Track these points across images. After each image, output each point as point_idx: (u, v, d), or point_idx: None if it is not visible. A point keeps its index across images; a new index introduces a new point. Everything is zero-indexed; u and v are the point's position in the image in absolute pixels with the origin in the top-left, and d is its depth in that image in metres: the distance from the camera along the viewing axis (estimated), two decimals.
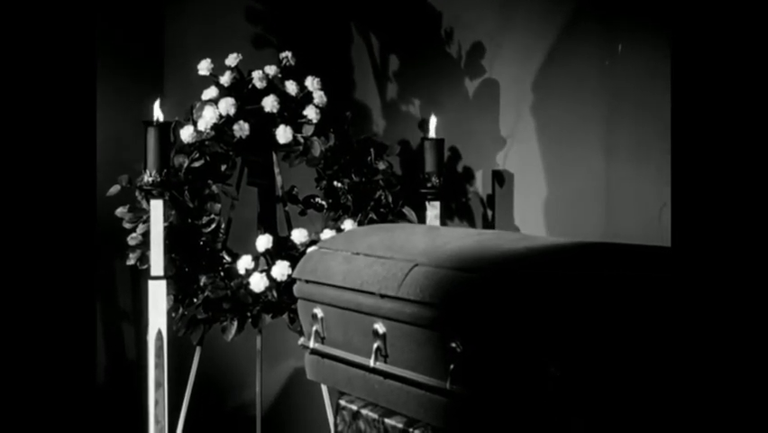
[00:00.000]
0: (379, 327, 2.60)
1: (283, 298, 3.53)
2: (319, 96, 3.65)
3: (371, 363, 2.62)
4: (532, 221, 3.87)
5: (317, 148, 3.62)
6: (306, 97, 3.66)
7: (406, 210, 3.71)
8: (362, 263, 2.73)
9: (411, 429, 2.53)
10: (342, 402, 2.84)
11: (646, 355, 2.01)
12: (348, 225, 3.61)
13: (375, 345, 2.61)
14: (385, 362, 2.60)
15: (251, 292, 3.53)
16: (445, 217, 3.88)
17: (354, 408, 2.77)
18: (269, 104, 3.59)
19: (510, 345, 2.16)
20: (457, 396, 2.32)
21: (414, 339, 2.47)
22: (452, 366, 2.32)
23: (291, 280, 3.16)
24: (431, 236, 2.75)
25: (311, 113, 3.63)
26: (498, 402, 2.19)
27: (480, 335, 2.25)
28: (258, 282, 3.52)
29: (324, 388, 3.61)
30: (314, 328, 2.91)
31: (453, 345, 2.31)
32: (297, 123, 3.64)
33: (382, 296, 2.57)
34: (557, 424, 2.03)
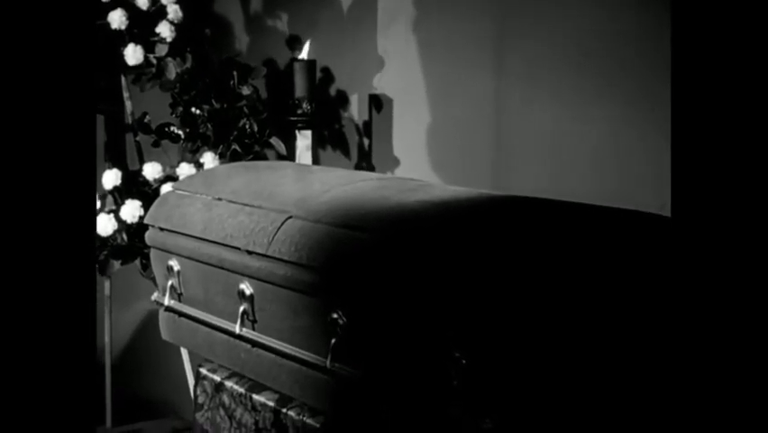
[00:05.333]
0: (246, 288, 2.22)
1: (134, 241, 3.12)
2: (174, 11, 3.28)
3: (237, 328, 2.24)
4: (413, 151, 3.51)
5: (172, 70, 3.26)
6: (158, 12, 3.27)
7: (274, 141, 3.36)
8: (225, 212, 2.34)
9: (284, 409, 2.17)
10: (203, 371, 2.45)
11: (578, 342, 1.66)
12: (208, 157, 3.23)
13: (241, 309, 2.24)
14: (253, 328, 2.23)
15: (97, 235, 3.11)
16: (318, 147, 3.50)
17: (217, 378, 2.40)
18: (117, 19, 3.21)
19: (404, 321, 1.80)
20: (339, 376, 1.96)
21: (288, 305, 2.11)
22: (333, 341, 1.96)
23: (143, 222, 2.74)
24: (306, 181, 2.37)
25: (165, 30, 3.25)
26: (389, 388, 1.85)
27: (368, 306, 1.89)
28: (105, 225, 3.11)
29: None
30: (169, 283, 2.51)
31: (335, 315, 1.95)
32: (148, 41, 3.25)
33: (249, 252, 2.19)
34: (460, 422, 1.69)
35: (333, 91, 3.66)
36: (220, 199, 2.41)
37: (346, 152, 3.65)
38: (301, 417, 2.13)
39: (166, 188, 3.11)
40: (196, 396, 2.48)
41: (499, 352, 1.65)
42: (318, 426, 2.09)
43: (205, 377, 2.45)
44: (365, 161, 3.63)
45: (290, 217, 2.15)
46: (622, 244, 1.81)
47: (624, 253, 1.79)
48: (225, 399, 2.36)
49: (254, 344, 2.23)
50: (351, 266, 1.93)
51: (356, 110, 3.64)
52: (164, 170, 3.24)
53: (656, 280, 1.73)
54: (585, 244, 1.77)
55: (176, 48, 3.27)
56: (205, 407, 2.44)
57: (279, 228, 2.15)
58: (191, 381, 3.16)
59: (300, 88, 3.35)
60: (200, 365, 2.49)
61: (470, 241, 1.79)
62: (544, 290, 1.67)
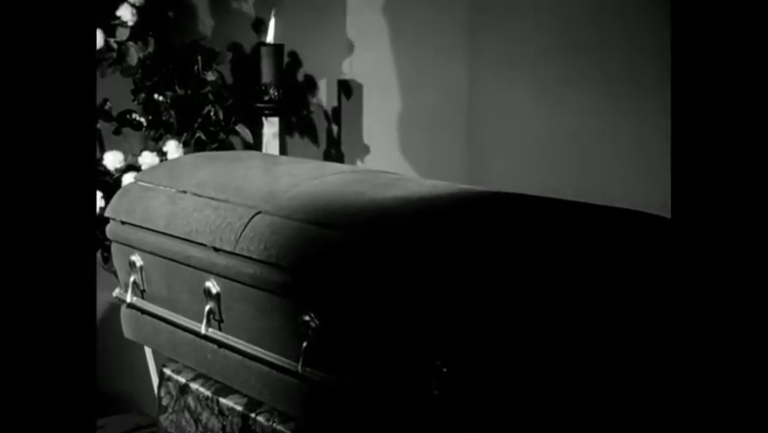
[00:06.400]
0: (212, 286, 2.11)
1: (95, 233, 2.99)
2: None
3: (202, 328, 2.14)
4: (384, 139, 3.42)
5: (134, 55, 3.13)
6: None
7: (240, 128, 3.25)
8: (190, 205, 2.23)
9: (253, 414, 2.07)
10: (168, 371, 2.35)
11: (567, 351, 1.57)
12: (171, 146, 3.11)
13: (207, 308, 2.13)
14: (219, 328, 2.12)
15: None
16: (285, 134, 3.39)
17: (182, 380, 2.29)
18: None
19: (381, 326, 1.70)
20: (311, 381, 1.86)
21: (256, 305, 2.00)
22: (305, 344, 1.86)
23: (103, 214, 2.62)
24: (274, 173, 2.26)
25: (126, 13, 3.13)
26: (364, 397, 1.75)
27: (342, 309, 1.79)
28: None
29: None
30: (131, 279, 2.40)
31: (307, 318, 1.85)
32: (109, 25, 3.12)
33: (216, 249, 2.08)
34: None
35: (300, 76, 3.56)
36: (185, 192, 2.30)
37: (314, 140, 3.55)
38: (271, 423, 2.04)
39: (127, 177, 3.00)
40: (159, 397, 2.37)
41: (484, 360, 1.56)
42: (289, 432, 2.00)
43: (169, 378, 2.34)
44: (334, 149, 3.53)
45: (259, 213, 2.05)
46: (611, 241, 1.72)
47: (614, 251, 1.70)
48: (191, 402, 2.26)
49: (221, 344, 2.12)
50: (324, 266, 1.82)
51: (325, 96, 3.55)
52: (126, 159, 3.13)
53: (649, 282, 1.65)
54: (573, 245, 1.67)
55: (137, 32, 3.14)
56: (170, 409, 2.33)
57: (247, 224, 2.04)
58: (155, 379, 3.05)
59: (267, 74, 3.27)
60: (164, 365, 2.39)
61: (451, 241, 1.70)
62: (532, 296, 1.58)
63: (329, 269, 1.81)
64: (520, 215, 1.81)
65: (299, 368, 1.88)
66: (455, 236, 1.71)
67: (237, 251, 2.03)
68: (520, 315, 1.57)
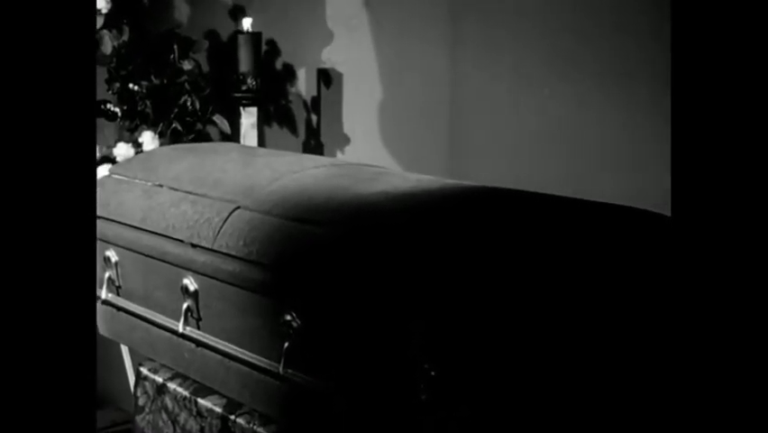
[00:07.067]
0: (190, 284, 2.05)
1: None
2: None
3: (180, 326, 2.08)
4: (364, 129, 3.36)
5: (108, 44, 3.08)
6: None
7: (217, 118, 3.20)
8: (167, 200, 2.16)
9: (232, 416, 2.01)
10: (144, 370, 2.28)
11: (558, 353, 1.51)
12: (147, 137, 3.05)
13: (185, 305, 2.07)
14: (198, 327, 2.06)
15: None
16: (263, 124, 3.33)
17: (159, 379, 2.22)
18: None
19: (367, 327, 1.64)
20: (293, 383, 1.80)
21: (236, 304, 1.94)
22: (286, 344, 1.80)
23: None
24: (254, 166, 2.20)
25: (100, 1, 3.07)
26: (349, 400, 1.69)
27: (326, 309, 1.73)
28: None
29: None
30: (107, 274, 2.33)
31: (289, 317, 1.79)
32: None
33: (194, 246, 2.02)
34: None
35: (279, 65, 3.50)
36: (161, 186, 2.23)
37: (293, 130, 3.49)
38: (251, 425, 1.97)
39: (102, 169, 2.93)
40: (136, 397, 2.31)
41: (474, 363, 1.50)
42: None
43: (146, 377, 2.27)
44: (313, 139, 3.47)
45: (238, 208, 1.99)
46: (604, 239, 1.67)
47: (608, 249, 1.64)
48: (168, 402, 2.19)
49: (199, 343, 2.06)
50: (306, 265, 1.76)
51: (304, 85, 3.49)
52: (100, 151, 3.07)
53: (645, 284, 1.60)
54: (566, 243, 1.62)
55: (112, 20, 3.09)
56: (147, 409, 2.27)
57: (226, 220, 1.98)
58: (131, 376, 2.99)
59: (245, 63, 3.21)
60: (141, 364, 2.32)
61: (437, 239, 1.64)
62: (523, 295, 1.52)
63: (312, 267, 1.75)
64: (510, 211, 1.76)
65: (280, 369, 1.82)
66: (442, 234, 1.65)
67: (216, 247, 1.96)
68: (511, 315, 1.52)
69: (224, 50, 3.39)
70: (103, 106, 3.14)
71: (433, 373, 1.53)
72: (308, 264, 1.76)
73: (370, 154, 3.19)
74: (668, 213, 1.46)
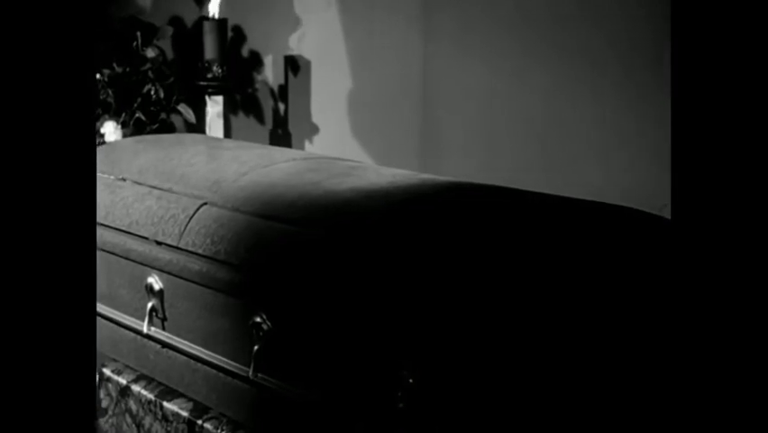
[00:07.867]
0: (155, 282, 1.97)
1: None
2: None
3: (144, 327, 2.00)
4: (333, 117, 3.28)
5: None
6: None
7: (182, 107, 3.11)
8: (131, 195, 2.08)
9: (200, 421, 1.93)
10: (107, 372, 2.19)
11: (546, 361, 1.44)
12: (109, 127, 2.96)
13: (149, 305, 1.99)
14: (163, 327, 1.98)
15: None
16: (230, 113, 3.24)
17: (123, 381, 2.14)
18: None
19: (341, 331, 1.57)
20: (263, 387, 1.73)
21: (203, 304, 1.86)
22: (256, 347, 1.73)
23: None
24: (221, 160, 2.12)
25: None
26: (322, 406, 1.62)
27: (298, 311, 1.65)
28: None
29: None
30: None
31: (258, 319, 1.72)
32: None
33: (159, 243, 1.94)
34: None
35: (245, 52, 3.42)
36: (124, 180, 2.15)
37: (260, 119, 3.40)
38: (219, 430, 1.89)
39: None
40: (99, 399, 2.22)
41: (454, 372, 1.43)
42: None
43: (109, 379, 2.19)
44: (281, 128, 3.38)
45: (205, 204, 1.91)
46: (589, 234, 1.60)
47: (603, 247, 1.58)
48: (132, 405, 2.11)
49: (164, 344, 1.98)
50: (279, 264, 1.69)
51: (271, 73, 3.41)
52: None
53: (642, 287, 1.53)
54: (553, 244, 1.55)
55: None
56: (110, 412, 2.18)
57: (192, 216, 1.90)
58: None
59: (210, 50, 3.13)
60: (104, 365, 2.23)
61: (418, 240, 1.56)
62: (509, 300, 1.45)
63: (284, 267, 1.67)
64: (493, 210, 1.69)
65: (250, 373, 1.74)
66: (420, 235, 1.58)
67: (182, 245, 1.88)
68: (494, 320, 1.45)
69: (188, 36, 3.30)
70: None
71: (411, 381, 1.46)
72: (281, 264, 1.68)
73: (339, 144, 3.12)
74: (642, 199, 1.41)
